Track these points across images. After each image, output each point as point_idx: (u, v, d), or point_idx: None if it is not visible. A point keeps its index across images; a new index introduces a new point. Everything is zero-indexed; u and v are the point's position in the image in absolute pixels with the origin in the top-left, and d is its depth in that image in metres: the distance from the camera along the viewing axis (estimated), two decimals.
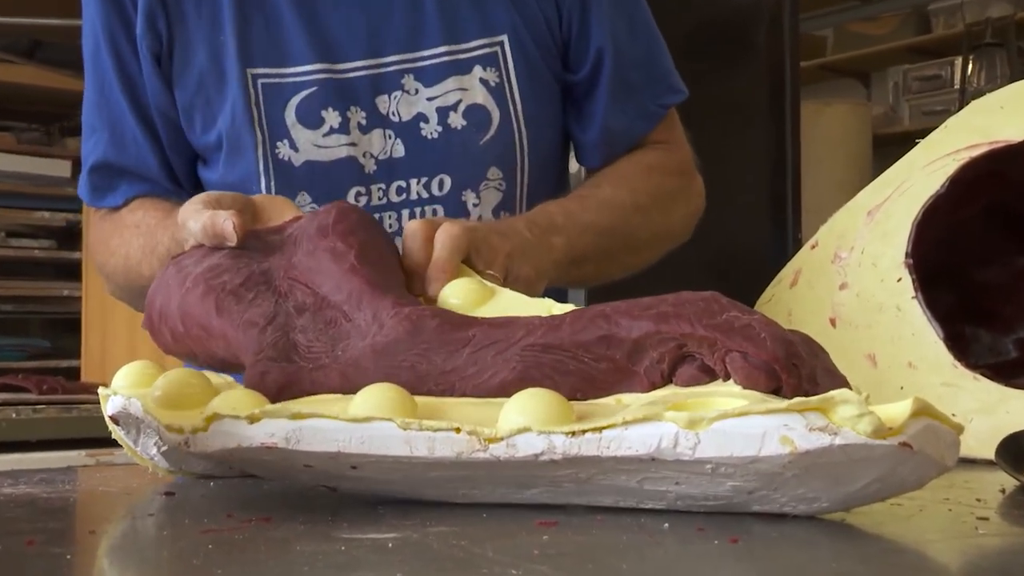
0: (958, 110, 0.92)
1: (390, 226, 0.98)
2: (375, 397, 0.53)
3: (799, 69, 3.05)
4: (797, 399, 0.47)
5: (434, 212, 0.97)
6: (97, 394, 0.62)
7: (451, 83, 0.97)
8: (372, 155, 0.97)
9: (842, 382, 0.53)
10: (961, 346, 0.84)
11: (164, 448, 0.60)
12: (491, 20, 0.99)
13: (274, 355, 0.63)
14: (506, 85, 0.99)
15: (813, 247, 0.93)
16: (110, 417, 0.60)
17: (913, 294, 0.83)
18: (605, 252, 0.98)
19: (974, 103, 0.88)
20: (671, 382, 0.55)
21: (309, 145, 0.96)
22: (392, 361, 0.60)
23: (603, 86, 1.04)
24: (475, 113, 0.98)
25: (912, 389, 0.80)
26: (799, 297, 0.92)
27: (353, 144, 0.96)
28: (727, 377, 0.53)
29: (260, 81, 0.96)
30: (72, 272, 3.73)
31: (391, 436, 0.51)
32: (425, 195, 0.98)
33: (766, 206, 2.90)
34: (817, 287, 0.91)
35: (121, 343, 3.04)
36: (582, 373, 0.57)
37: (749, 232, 2.78)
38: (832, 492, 0.48)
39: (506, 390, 0.56)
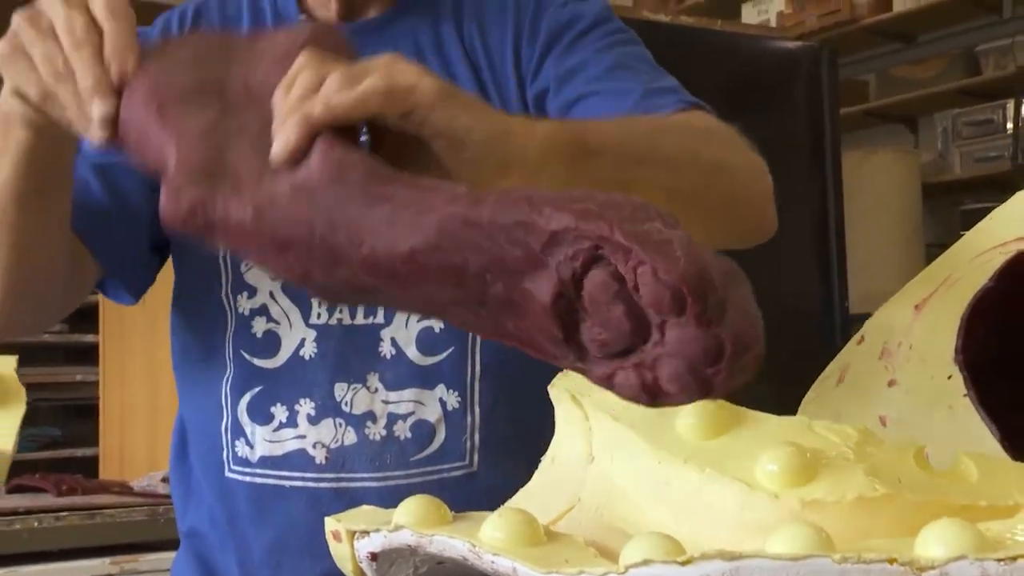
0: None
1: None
2: (650, 543, 0.55)
3: (839, 115, 3.07)
4: None
5: None
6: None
7: None
8: None
9: (754, 322, 0.54)
10: (1020, 445, 0.85)
11: None
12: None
13: (199, 171, 0.63)
14: None
15: (860, 342, 0.95)
16: (370, 554, 0.62)
17: (965, 392, 0.84)
18: (628, 152, 0.85)
19: (1020, 193, 0.90)
20: (582, 282, 0.56)
21: None
22: (308, 203, 0.61)
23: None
24: None
25: None
26: (846, 395, 0.94)
27: None
28: (637, 289, 0.54)
29: None
30: (86, 355, 3.78)
31: (827, 571, 0.53)
32: None
33: (809, 266, 2.85)
34: (865, 384, 0.92)
35: (140, 429, 3.06)
36: (494, 255, 0.57)
37: (791, 296, 2.72)
38: None
39: (414, 259, 0.58)
